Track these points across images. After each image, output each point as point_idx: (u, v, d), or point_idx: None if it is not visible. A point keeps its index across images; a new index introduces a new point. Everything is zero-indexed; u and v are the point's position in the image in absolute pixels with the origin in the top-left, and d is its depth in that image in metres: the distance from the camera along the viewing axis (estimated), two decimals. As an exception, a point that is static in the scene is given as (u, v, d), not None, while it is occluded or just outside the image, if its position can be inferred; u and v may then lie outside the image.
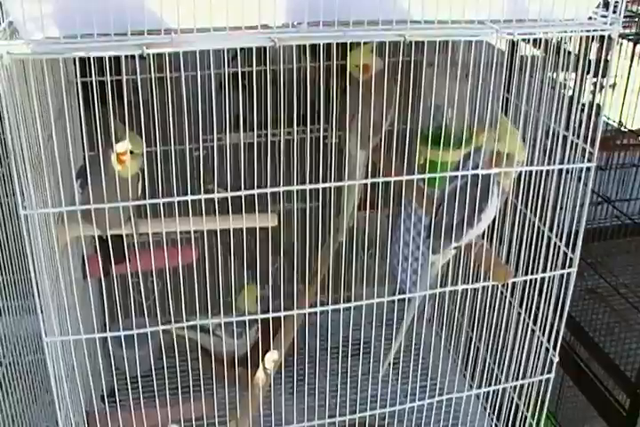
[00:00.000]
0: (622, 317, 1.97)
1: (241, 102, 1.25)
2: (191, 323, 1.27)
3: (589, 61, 1.21)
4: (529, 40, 1.11)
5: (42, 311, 1.11)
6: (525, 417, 1.50)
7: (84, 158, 1.35)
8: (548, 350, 1.40)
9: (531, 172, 1.28)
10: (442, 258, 1.39)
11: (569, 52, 1.20)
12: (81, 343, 1.22)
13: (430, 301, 1.57)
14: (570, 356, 1.89)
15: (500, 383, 1.50)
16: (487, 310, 1.43)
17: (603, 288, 2.02)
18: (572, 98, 1.31)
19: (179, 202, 1.14)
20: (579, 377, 1.91)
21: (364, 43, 1.44)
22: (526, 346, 1.43)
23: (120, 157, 1.21)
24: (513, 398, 1.51)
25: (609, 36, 1.09)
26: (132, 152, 1.21)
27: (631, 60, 1.98)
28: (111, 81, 1.13)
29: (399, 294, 1.36)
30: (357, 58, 1.50)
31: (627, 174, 2.26)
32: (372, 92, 1.20)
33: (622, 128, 2.13)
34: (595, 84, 1.46)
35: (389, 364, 1.58)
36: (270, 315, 1.28)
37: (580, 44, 1.17)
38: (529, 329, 1.42)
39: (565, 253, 1.30)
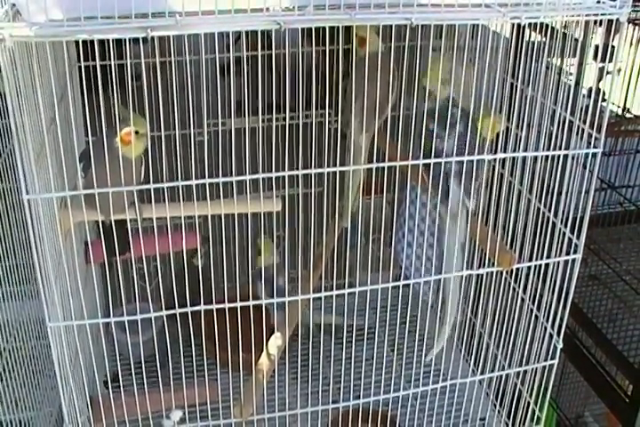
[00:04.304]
0: (625, 303, 1.96)
1: (245, 87, 1.24)
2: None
3: (596, 47, 1.20)
4: (535, 25, 1.10)
5: (45, 297, 1.11)
6: (528, 403, 1.50)
7: (87, 143, 1.34)
8: (551, 336, 1.40)
9: (535, 157, 1.27)
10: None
11: (576, 39, 1.19)
12: (84, 328, 1.22)
13: (434, 286, 1.56)
14: (572, 342, 1.89)
15: (503, 369, 1.50)
16: (491, 296, 1.42)
17: (606, 274, 2.02)
18: (577, 83, 1.30)
19: (181, 186, 1.13)
20: (581, 363, 1.91)
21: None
22: (530, 332, 1.43)
23: (125, 137, 1.20)
24: (516, 384, 1.51)
25: (617, 20, 1.08)
26: (136, 132, 1.20)
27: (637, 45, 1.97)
28: (113, 65, 1.12)
29: (403, 279, 1.36)
30: (358, 29, 1.50)
31: (630, 160, 2.25)
32: (376, 71, 1.19)
33: (626, 113, 2.11)
34: (601, 69, 1.46)
35: (393, 350, 1.58)
36: (275, 300, 1.27)
37: (586, 29, 1.16)
38: (532, 315, 1.42)
39: (570, 240, 1.30)
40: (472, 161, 1.27)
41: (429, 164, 1.37)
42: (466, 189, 1.38)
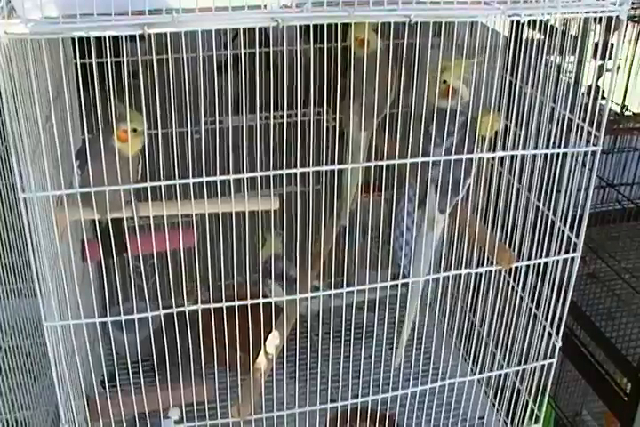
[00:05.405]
0: (624, 301, 1.96)
1: (243, 85, 1.23)
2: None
3: (596, 44, 1.19)
4: (534, 22, 1.09)
5: (41, 296, 1.10)
6: (527, 402, 1.50)
7: (84, 140, 1.33)
8: (550, 334, 1.39)
9: (534, 155, 1.27)
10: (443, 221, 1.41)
11: (575, 37, 1.18)
12: (81, 327, 1.21)
13: (432, 285, 1.57)
14: (570, 340, 1.89)
15: (501, 368, 1.50)
16: (489, 295, 1.42)
17: (604, 273, 2.02)
18: (576, 81, 1.30)
19: (179, 185, 1.12)
20: (579, 361, 1.91)
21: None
22: (528, 331, 1.42)
23: (122, 134, 1.19)
24: (514, 383, 1.51)
25: (617, 17, 1.07)
26: (134, 130, 1.19)
27: (636, 43, 1.96)
28: (110, 62, 1.12)
29: (401, 278, 1.35)
30: (356, 31, 1.49)
31: (628, 158, 2.25)
32: (375, 69, 1.18)
33: (625, 111, 2.11)
34: (600, 66, 1.45)
35: (392, 348, 1.58)
36: (273, 299, 1.27)
37: (585, 27, 1.16)
38: (531, 314, 1.42)
39: (569, 238, 1.29)
40: (461, 166, 1.27)
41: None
42: (442, 198, 1.37)
